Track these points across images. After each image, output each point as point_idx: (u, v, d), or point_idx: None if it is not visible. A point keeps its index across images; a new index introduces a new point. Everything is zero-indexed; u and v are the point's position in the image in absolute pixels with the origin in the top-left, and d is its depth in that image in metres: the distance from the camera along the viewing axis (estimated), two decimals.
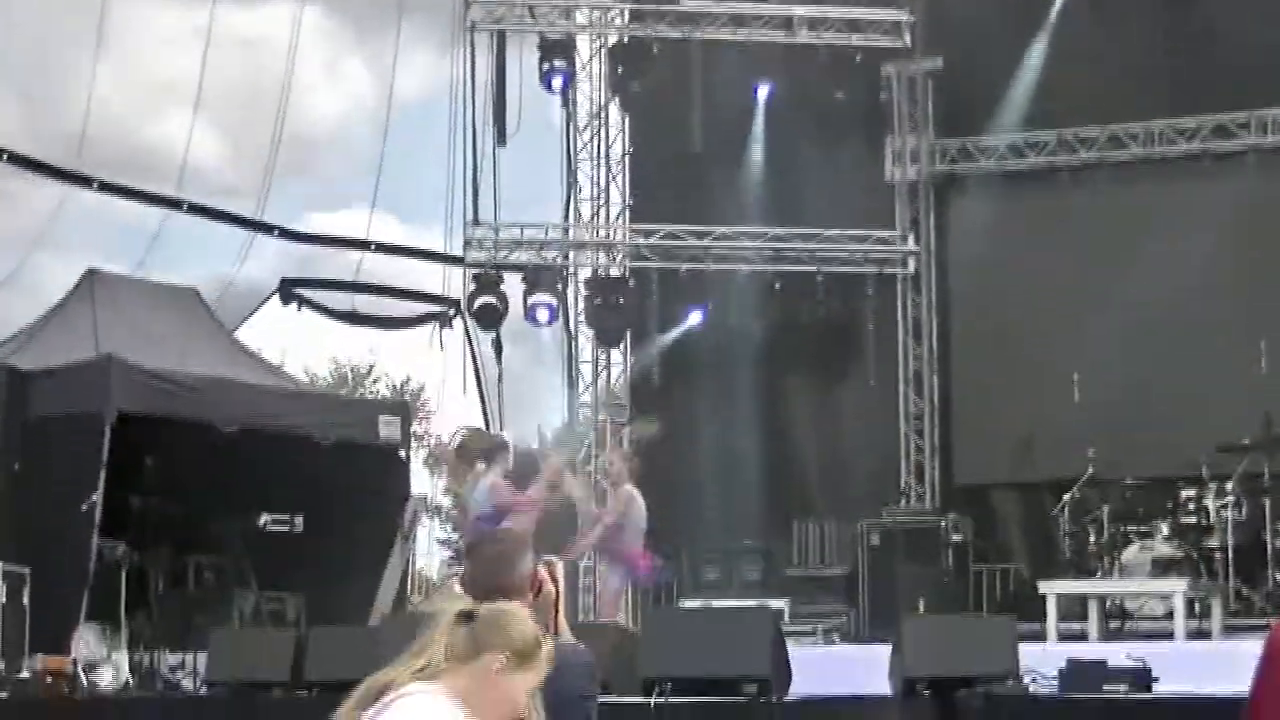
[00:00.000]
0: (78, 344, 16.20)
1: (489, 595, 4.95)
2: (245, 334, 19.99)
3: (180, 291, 18.58)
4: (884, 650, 10.69)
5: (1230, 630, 13.87)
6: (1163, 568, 14.44)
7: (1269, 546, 14.84)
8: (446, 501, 42.99)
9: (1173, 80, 17.89)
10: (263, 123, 21.73)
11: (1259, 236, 17.44)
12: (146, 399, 15.40)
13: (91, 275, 17.63)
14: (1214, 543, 14.84)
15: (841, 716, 10.19)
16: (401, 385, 44.48)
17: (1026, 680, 10.11)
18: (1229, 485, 14.86)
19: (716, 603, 16.02)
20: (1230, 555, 14.74)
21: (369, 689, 3.85)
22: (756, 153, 19.84)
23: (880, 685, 10.40)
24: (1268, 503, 14.88)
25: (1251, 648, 4.83)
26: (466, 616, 3.98)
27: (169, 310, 17.91)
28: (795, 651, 10.97)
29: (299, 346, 31.87)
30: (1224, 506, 14.84)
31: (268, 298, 21.11)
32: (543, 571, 5.39)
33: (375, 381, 45.52)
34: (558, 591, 5.45)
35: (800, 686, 10.46)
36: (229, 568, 17.04)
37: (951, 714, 9.92)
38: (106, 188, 20.47)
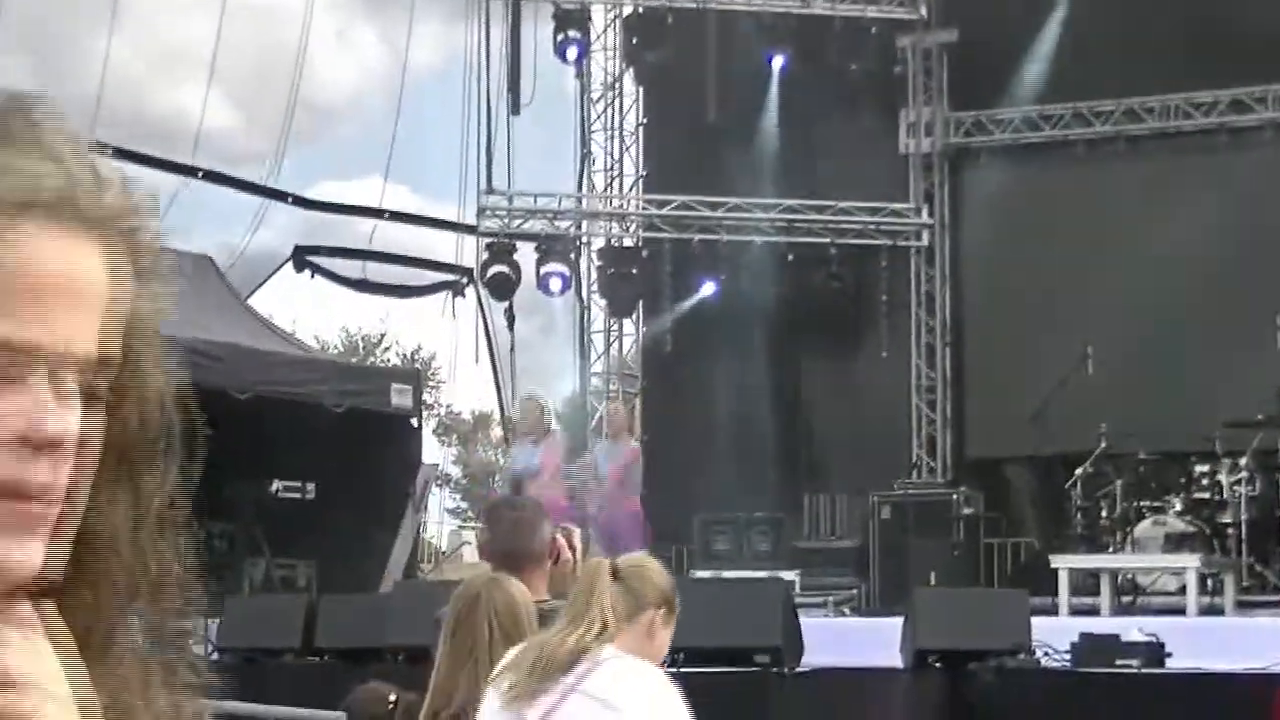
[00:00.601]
0: None
1: (507, 561, 4.94)
2: (257, 301, 20.01)
3: (193, 258, 18.57)
4: (895, 623, 10.70)
5: (1243, 606, 13.86)
6: (1175, 543, 14.40)
7: None
8: (456, 471, 43.11)
9: (1189, 54, 17.77)
10: (276, 91, 21.76)
11: (1274, 211, 17.37)
12: None
13: None
14: (1227, 518, 14.80)
15: (853, 687, 10.21)
16: (412, 354, 44.53)
17: (1038, 654, 10.12)
18: (1242, 461, 14.81)
19: (727, 573, 16.01)
20: (1243, 531, 14.69)
21: (555, 656, 3.80)
22: (770, 124, 19.75)
23: (892, 657, 10.41)
24: None
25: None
26: (615, 573, 3.97)
27: (182, 277, 17.81)
28: (806, 623, 10.98)
29: (310, 314, 31.93)
30: (1237, 482, 14.78)
31: (281, 265, 21.09)
32: (561, 539, 5.39)
33: (386, 350, 45.58)
34: (575, 560, 5.45)
35: (811, 658, 10.47)
36: (240, 535, 17.06)
37: (962, 686, 9.92)
38: (120, 155, 20.25)
